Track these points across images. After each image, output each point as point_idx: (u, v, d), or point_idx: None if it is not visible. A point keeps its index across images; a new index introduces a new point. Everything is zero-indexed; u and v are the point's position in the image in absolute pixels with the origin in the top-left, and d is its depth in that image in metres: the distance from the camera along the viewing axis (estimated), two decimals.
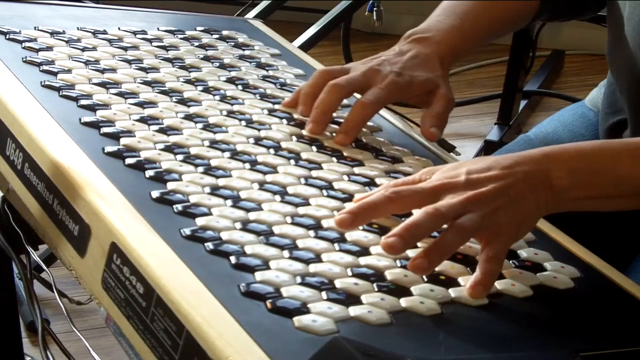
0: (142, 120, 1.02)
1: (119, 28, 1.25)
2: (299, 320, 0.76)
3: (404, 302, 0.82)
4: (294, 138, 1.06)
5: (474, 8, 1.18)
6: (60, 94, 1.05)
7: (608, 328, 0.85)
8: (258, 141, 1.03)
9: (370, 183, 1.00)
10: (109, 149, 0.96)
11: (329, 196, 0.95)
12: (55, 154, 0.93)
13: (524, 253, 0.93)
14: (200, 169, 0.95)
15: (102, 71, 1.12)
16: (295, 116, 1.10)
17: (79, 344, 1.03)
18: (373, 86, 1.08)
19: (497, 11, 1.20)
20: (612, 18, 1.19)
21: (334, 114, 1.09)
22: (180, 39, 1.25)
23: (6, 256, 1.09)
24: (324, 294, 0.80)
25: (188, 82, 1.13)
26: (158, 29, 1.27)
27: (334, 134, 1.08)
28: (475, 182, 0.88)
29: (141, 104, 1.06)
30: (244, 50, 1.26)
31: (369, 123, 1.13)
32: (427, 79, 1.10)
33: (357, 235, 0.89)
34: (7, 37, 1.16)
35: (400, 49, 1.13)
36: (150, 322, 0.79)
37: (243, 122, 1.06)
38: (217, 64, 1.20)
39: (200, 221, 0.87)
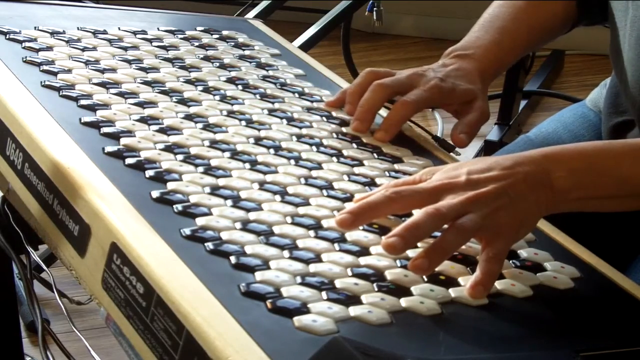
0: (142, 120, 1.02)
1: (119, 28, 1.25)
2: (299, 320, 0.76)
3: (404, 302, 0.82)
4: (294, 138, 1.06)
5: (512, 22, 1.21)
6: (60, 94, 1.05)
7: (608, 328, 0.85)
8: (258, 141, 1.03)
9: (370, 183, 1.00)
10: (109, 149, 0.96)
11: (329, 196, 0.95)
12: (55, 154, 0.93)
13: (524, 253, 0.93)
14: (200, 169, 0.95)
15: (102, 71, 1.12)
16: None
17: (79, 344, 1.03)
18: (416, 88, 1.11)
19: (535, 22, 1.23)
20: (615, 18, 1.19)
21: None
22: (180, 39, 1.25)
23: (6, 256, 1.09)
24: (324, 294, 0.80)
25: (188, 82, 1.13)
26: (158, 29, 1.27)
27: (334, 134, 1.08)
28: (476, 183, 0.88)
29: (141, 104, 1.06)
30: (244, 50, 1.26)
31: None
32: (469, 89, 1.13)
33: (357, 235, 0.89)
34: (7, 37, 1.16)
35: (444, 62, 1.16)
36: (150, 322, 0.79)
37: (243, 122, 1.06)
38: (217, 64, 1.20)
39: (200, 221, 0.87)
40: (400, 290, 0.83)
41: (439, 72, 1.14)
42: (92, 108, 1.03)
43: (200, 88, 1.12)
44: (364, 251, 0.87)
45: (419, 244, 0.87)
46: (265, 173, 0.97)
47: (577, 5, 1.24)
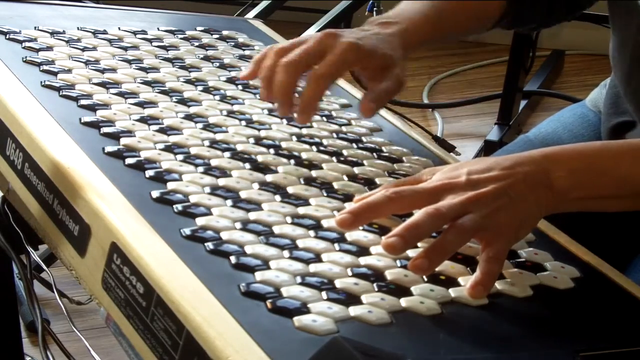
0: (142, 120, 1.02)
1: (119, 28, 1.25)
2: (299, 320, 0.76)
3: (404, 302, 0.82)
4: (294, 138, 1.06)
5: (441, 2, 1.16)
6: (60, 94, 1.05)
7: (608, 328, 0.85)
8: (258, 141, 1.03)
9: (370, 183, 0.99)
10: (109, 149, 0.96)
11: (329, 196, 0.95)
12: (55, 154, 0.93)
13: (524, 253, 0.93)
14: (200, 169, 0.95)
15: (102, 71, 1.12)
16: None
17: (79, 344, 1.03)
18: (329, 54, 1.03)
19: (463, 10, 1.18)
20: (616, 20, 1.18)
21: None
22: (180, 39, 1.25)
23: (6, 256, 1.09)
24: (324, 294, 0.80)
25: (188, 82, 1.13)
26: (158, 29, 1.27)
27: (333, 134, 1.08)
28: (476, 183, 0.88)
29: (141, 104, 1.06)
30: (244, 50, 1.26)
31: (369, 123, 1.13)
32: (388, 54, 1.06)
33: (357, 235, 0.89)
34: (7, 37, 1.16)
35: (362, 28, 1.09)
36: (150, 322, 0.79)
37: (243, 122, 1.06)
38: (217, 64, 1.20)
39: (200, 221, 0.87)
40: (400, 290, 0.83)
41: (357, 34, 1.06)
42: (92, 108, 1.03)
43: (200, 88, 1.12)
44: (364, 251, 0.87)
45: (419, 244, 0.87)
46: (265, 173, 0.97)
47: (507, 4, 1.19)
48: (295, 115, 1.02)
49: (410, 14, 1.13)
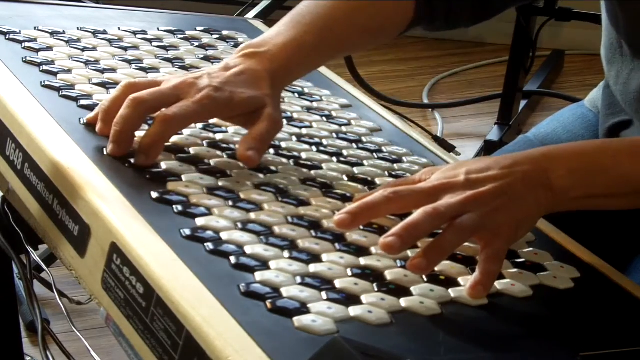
0: None
1: (119, 28, 1.24)
2: (299, 320, 0.76)
3: (404, 302, 0.82)
4: (294, 138, 1.06)
5: (322, 20, 1.05)
6: (60, 94, 1.05)
7: (608, 328, 0.85)
8: None
9: (370, 183, 0.99)
10: None
11: (329, 196, 0.95)
12: (55, 154, 0.93)
13: (523, 253, 0.93)
14: (200, 168, 0.95)
15: (102, 71, 1.12)
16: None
17: (79, 344, 1.03)
18: (183, 100, 0.95)
19: (355, 23, 1.07)
20: (606, 19, 1.19)
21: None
22: (180, 39, 1.25)
23: (6, 256, 1.09)
24: (323, 294, 0.80)
25: None
26: (158, 29, 1.27)
27: (333, 134, 1.08)
28: (475, 182, 0.88)
29: None
30: None
31: (369, 123, 1.13)
32: (251, 97, 0.97)
33: (357, 235, 0.89)
34: (7, 37, 1.16)
35: (227, 63, 1.00)
36: (150, 322, 0.79)
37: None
38: (217, 64, 1.20)
39: (200, 221, 0.87)
40: (400, 290, 0.83)
41: (216, 79, 0.97)
42: (92, 108, 1.03)
43: None
44: (364, 251, 0.87)
45: (418, 244, 0.87)
46: (265, 173, 0.97)
47: (417, 8, 1.10)
48: (135, 157, 0.94)
49: (282, 41, 1.02)
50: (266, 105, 0.98)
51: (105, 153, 0.94)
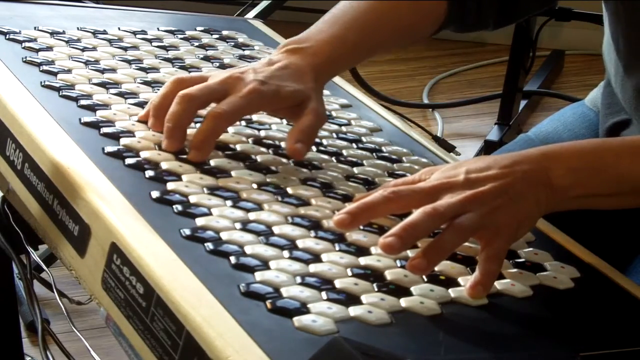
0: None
1: (119, 28, 1.25)
2: (299, 320, 0.76)
3: (404, 302, 0.82)
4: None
5: (362, 17, 1.08)
6: (60, 94, 1.05)
7: (608, 328, 0.85)
8: (258, 141, 1.03)
9: (370, 183, 0.99)
10: (109, 149, 0.96)
11: (329, 196, 0.95)
12: (55, 154, 0.93)
13: (523, 253, 0.93)
14: (200, 169, 0.95)
15: (102, 71, 1.12)
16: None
17: (79, 344, 1.03)
18: (231, 95, 0.98)
19: (392, 21, 1.10)
20: (607, 19, 1.19)
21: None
22: (180, 39, 1.25)
23: (6, 256, 1.09)
24: (323, 294, 0.80)
25: None
26: (158, 29, 1.27)
27: (333, 134, 1.08)
28: (475, 182, 0.88)
29: (141, 104, 1.06)
30: (244, 50, 1.26)
31: (369, 123, 1.13)
32: (296, 90, 0.99)
33: (357, 235, 0.89)
34: (7, 37, 1.16)
35: (271, 59, 1.03)
36: (150, 322, 0.79)
37: (243, 122, 1.06)
38: (217, 64, 1.20)
39: (200, 221, 0.87)
40: (400, 290, 0.83)
41: (261, 73, 0.99)
42: (92, 108, 1.03)
43: None
44: (364, 251, 0.87)
45: (418, 244, 0.87)
46: (265, 173, 0.97)
47: (448, 9, 1.13)
48: (187, 151, 0.96)
49: (324, 37, 1.06)
50: (310, 98, 1.00)
51: (160, 148, 0.96)
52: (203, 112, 1.00)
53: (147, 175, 0.93)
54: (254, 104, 0.98)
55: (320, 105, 1.01)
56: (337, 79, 1.24)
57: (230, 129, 1.04)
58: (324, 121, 1.02)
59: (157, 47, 1.21)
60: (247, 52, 1.25)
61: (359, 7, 1.09)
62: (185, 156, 0.97)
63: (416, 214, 0.85)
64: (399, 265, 0.86)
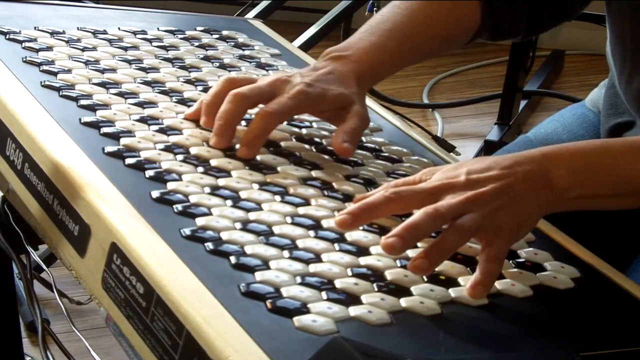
0: (142, 120, 1.02)
1: (119, 28, 1.25)
2: (299, 320, 0.76)
3: (404, 302, 0.82)
4: (294, 138, 1.06)
5: (402, 26, 1.12)
6: (60, 94, 1.05)
7: (608, 328, 0.85)
8: None
9: (370, 183, 0.99)
10: (109, 149, 0.96)
11: (329, 196, 0.95)
12: (55, 154, 0.93)
13: (524, 253, 0.93)
14: (200, 169, 0.95)
15: (102, 71, 1.12)
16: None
17: (79, 344, 1.03)
18: (279, 96, 1.02)
19: (429, 30, 1.14)
20: (612, 19, 1.19)
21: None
22: (180, 39, 1.25)
23: (6, 256, 1.09)
24: (324, 294, 0.80)
25: (188, 82, 1.13)
26: (158, 29, 1.27)
27: (334, 134, 1.08)
28: (475, 182, 0.88)
29: (141, 104, 1.06)
30: (244, 50, 1.26)
31: (370, 124, 1.13)
32: (341, 94, 1.03)
33: (357, 235, 0.89)
34: (7, 37, 1.16)
35: (315, 65, 1.07)
36: (150, 322, 0.79)
37: (243, 122, 1.06)
38: (217, 64, 1.20)
39: (200, 221, 0.87)
40: (400, 290, 0.83)
41: (307, 77, 1.03)
42: (92, 108, 1.03)
43: (200, 88, 1.12)
44: (364, 251, 0.87)
45: (418, 244, 0.87)
46: (265, 173, 0.97)
47: (482, 18, 1.16)
48: (238, 150, 0.99)
49: (366, 45, 1.09)
50: (354, 102, 1.04)
51: (208, 145, 0.99)
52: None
53: (147, 175, 0.93)
54: (301, 104, 1.02)
55: (364, 109, 1.04)
56: None
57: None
58: (368, 124, 1.05)
59: (157, 47, 1.21)
60: (247, 52, 1.25)
61: (396, 16, 1.13)
62: (185, 156, 0.97)
63: (418, 214, 0.85)
64: (399, 265, 0.86)
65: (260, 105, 1.02)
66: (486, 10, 1.16)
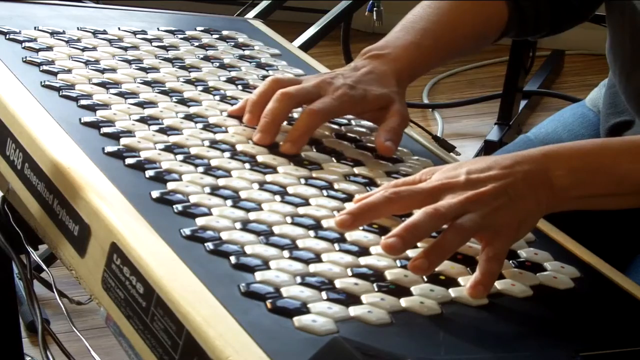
0: (142, 120, 1.02)
1: (119, 28, 1.25)
2: (299, 320, 0.76)
3: (404, 302, 0.82)
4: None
5: (435, 25, 1.15)
6: (60, 94, 1.05)
7: (608, 328, 0.85)
8: None
9: (370, 183, 0.99)
10: (109, 149, 0.96)
11: (329, 196, 0.95)
12: (55, 154, 0.93)
13: (524, 253, 0.93)
14: (200, 169, 0.95)
15: (102, 71, 1.12)
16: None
17: (79, 344, 1.03)
18: (324, 97, 1.05)
19: (460, 28, 1.17)
20: (612, 19, 1.19)
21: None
22: (180, 39, 1.25)
23: (6, 256, 1.09)
24: (324, 294, 0.80)
25: (188, 82, 1.13)
26: (158, 29, 1.27)
27: (333, 134, 1.08)
28: (475, 182, 0.88)
29: (141, 104, 1.06)
30: (244, 50, 1.26)
31: (369, 123, 1.13)
32: (382, 94, 1.07)
33: (357, 235, 0.89)
34: (7, 37, 1.16)
35: (356, 64, 1.10)
36: (150, 322, 0.79)
37: (243, 122, 1.06)
38: (217, 64, 1.20)
39: (200, 221, 0.87)
40: (400, 290, 0.83)
41: (349, 78, 1.07)
42: (92, 108, 1.03)
43: (200, 88, 1.12)
44: (364, 251, 0.87)
45: (418, 244, 0.87)
46: (265, 173, 0.97)
47: (508, 15, 1.19)
48: (281, 144, 1.02)
49: (403, 44, 1.12)
50: (394, 101, 1.07)
51: (252, 141, 1.02)
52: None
53: (147, 175, 0.93)
54: (344, 105, 1.05)
55: (404, 108, 1.07)
56: None
57: (231, 130, 1.04)
58: (408, 122, 1.08)
59: (157, 47, 1.21)
60: (247, 52, 1.25)
61: (429, 15, 1.16)
62: (185, 156, 0.97)
63: (418, 214, 0.85)
64: (399, 265, 0.86)
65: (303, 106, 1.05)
66: (513, 9, 1.19)
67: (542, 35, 1.25)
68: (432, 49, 1.14)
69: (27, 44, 1.15)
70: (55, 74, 1.09)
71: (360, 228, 0.90)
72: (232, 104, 1.10)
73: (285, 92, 1.04)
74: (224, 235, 0.85)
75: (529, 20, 1.20)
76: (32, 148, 0.96)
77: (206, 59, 1.21)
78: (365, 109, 1.07)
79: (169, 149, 0.98)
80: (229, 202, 0.91)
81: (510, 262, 0.90)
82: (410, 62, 1.12)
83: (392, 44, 1.12)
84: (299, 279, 0.82)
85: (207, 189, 0.92)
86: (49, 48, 1.15)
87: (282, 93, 1.04)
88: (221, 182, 0.94)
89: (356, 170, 1.02)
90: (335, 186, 0.97)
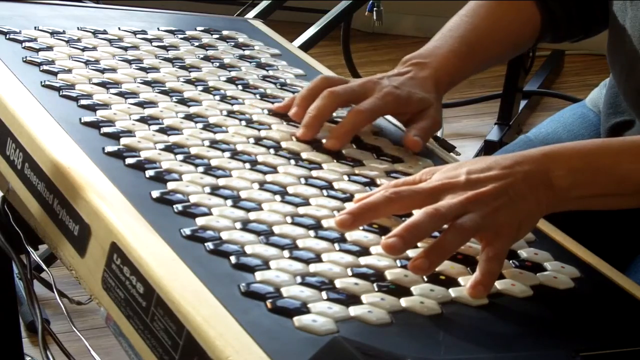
0: (142, 120, 1.02)
1: (119, 28, 1.25)
2: (299, 320, 0.76)
3: (404, 302, 0.82)
4: (294, 138, 1.06)
5: (471, 32, 1.19)
6: (60, 94, 1.05)
7: (608, 328, 0.85)
8: (258, 141, 1.03)
9: (371, 183, 1.00)
10: (109, 149, 0.96)
11: (329, 196, 0.95)
12: (55, 154, 0.93)
13: (524, 253, 0.93)
14: (200, 169, 0.95)
15: (102, 71, 1.12)
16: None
17: (79, 344, 1.03)
18: (370, 97, 1.09)
19: (497, 35, 1.21)
20: (612, 19, 1.19)
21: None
22: (180, 39, 1.25)
23: (6, 256, 1.09)
24: (324, 294, 0.80)
25: (188, 82, 1.13)
26: (158, 29, 1.27)
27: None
28: (476, 182, 0.88)
29: (141, 104, 1.06)
30: (244, 50, 1.26)
31: (370, 124, 1.13)
32: (424, 98, 1.11)
33: (357, 235, 0.89)
34: (7, 37, 1.16)
35: (399, 70, 1.14)
36: (150, 322, 0.79)
37: (243, 122, 1.06)
38: (217, 64, 1.20)
39: (200, 221, 0.87)
40: (400, 290, 0.83)
41: (394, 81, 1.11)
42: (92, 108, 1.03)
43: (200, 88, 1.12)
44: (364, 251, 0.87)
45: (419, 244, 0.87)
46: (265, 173, 0.97)
47: (541, 21, 1.22)
48: (324, 141, 1.05)
49: (442, 52, 1.17)
50: (432, 106, 1.12)
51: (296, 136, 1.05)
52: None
53: (147, 175, 0.93)
54: (389, 105, 1.09)
55: (438, 114, 1.12)
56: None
57: (231, 130, 1.04)
58: (439, 127, 1.13)
59: (157, 47, 1.21)
60: (247, 52, 1.25)
61: (465, 24, 1.20)
62: (185, 156, 0.97)
63: (418, 214, 0.85)
64: (399, 265, 0.86)
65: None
66: (545, 15, 1.22)
67: (579, 38, 1.27)
68: (469, 56, 1.18)
69: (27, 44, 1.15)
70: (55, 73, 1.09)
71: (361, 228, 0.90)
72: (232, 104, 1.10)
73: (332, 91, 1.07)
74: (224, 235, 0.85)
75: (561, 23, 1.23)
76: (32, 148, 0.96)
77: (206, 59, 1.21)
78: (408, 110, 1.11)
79: (169, 148, 0.98)
80: (229, 202, 0.91)
81: (511, 262, 0.91)
82: (449, 70, 1.16)
83: (432, 52, 1.17)
84: (299, 279, 0.82)
85: (207, 189, 0.92)
86: (49, 48, 1.15)
87: (329, 91, 1.07)
88: (221, 182, 0.94)
89: (356, 170, 1.02)
90: (336, 186, 0.97)
